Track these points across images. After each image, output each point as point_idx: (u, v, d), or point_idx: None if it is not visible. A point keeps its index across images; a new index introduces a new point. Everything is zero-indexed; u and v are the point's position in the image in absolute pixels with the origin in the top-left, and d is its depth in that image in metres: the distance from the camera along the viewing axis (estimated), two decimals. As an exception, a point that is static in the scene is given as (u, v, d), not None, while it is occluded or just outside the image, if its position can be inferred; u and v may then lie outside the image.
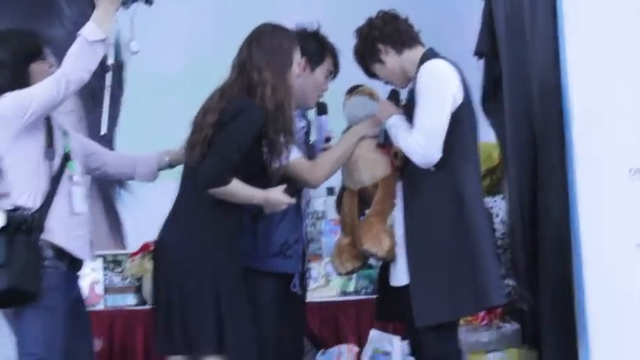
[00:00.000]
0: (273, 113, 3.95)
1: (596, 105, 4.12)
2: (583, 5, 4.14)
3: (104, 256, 5.51)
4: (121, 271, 5.51)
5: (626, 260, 3.97)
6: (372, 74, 4.24)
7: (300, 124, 4.29)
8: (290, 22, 4.37)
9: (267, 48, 4.04)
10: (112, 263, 5.57)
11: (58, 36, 5.01)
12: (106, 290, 5.43)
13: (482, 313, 4.68)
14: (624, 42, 4.12)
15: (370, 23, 4.21)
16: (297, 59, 4.10)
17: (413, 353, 4.32)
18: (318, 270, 5.39)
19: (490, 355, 4.78)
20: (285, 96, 4.02)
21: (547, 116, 4.42)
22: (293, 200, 4.02)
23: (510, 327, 4.87)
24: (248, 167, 3.93)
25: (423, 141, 3.92)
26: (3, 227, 3.97)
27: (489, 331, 4.85)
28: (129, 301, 5.33)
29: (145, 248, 5.31)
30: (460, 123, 3.98)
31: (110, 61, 4.24)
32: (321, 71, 4.32)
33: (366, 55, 4.20)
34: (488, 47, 4.99)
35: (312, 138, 4.45)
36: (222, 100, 3.96)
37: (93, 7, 4.08)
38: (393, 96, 4.18)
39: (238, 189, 3.87)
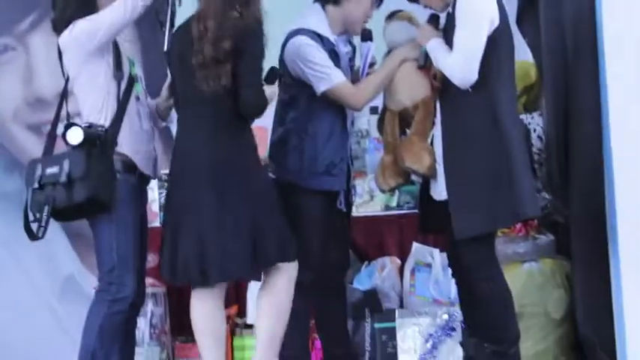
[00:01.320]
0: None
1: (629, 32, 4.21)
2: None
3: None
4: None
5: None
6: None
7: (345, 49, 4.45)
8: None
9: None
10: (166, 182, 5.67)
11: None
12: (161, 208, 5.55)
13: (518, 225, 4.87)
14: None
15: None
16: None
17: (450, 265, 4.49)
18: (362, 186, 5.47)
19: (526, 264, 4.96)
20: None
21: (580, 37, 4.53)
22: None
23: (545, 238, 5.03)
24: None
25: (462, 62, 4.05)
26: (80, 143, 4.17)
27: (525, 242, 5.01)
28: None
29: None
30: (497, 45, 4.10)
31: None
32: None
33: None
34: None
35: (357, 63, 4.54)
36: (215, 25, 4.09)
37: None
38: (433, 20, 4.27)
39: None
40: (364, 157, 5.62)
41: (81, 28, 4.28)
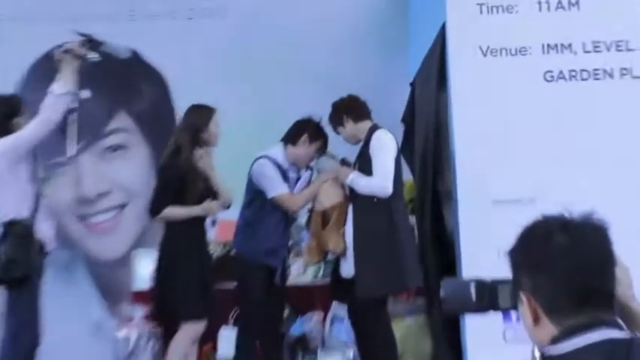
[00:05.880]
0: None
1: (472, 165, 5.23)
2: (465, 101, 5.34)
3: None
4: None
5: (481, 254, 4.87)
6: (337, 132, 5.33)
7: (293, 174, 5.48)
8: (303, 113, 5.54)
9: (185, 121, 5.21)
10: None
11: (142, 108, 6.86)
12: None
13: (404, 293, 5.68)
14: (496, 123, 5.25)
15: (341, 100, 5.39)
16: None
17: (350, 317, 5.52)
18: (300, 263, 6.28)
19: (407, 318, 5.88)
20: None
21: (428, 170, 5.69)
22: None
23: (420, 302, 5.92)
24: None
25: (382, 179, 5.01)
26: None
27: (407, 303, 5.94)
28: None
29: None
30: (395, 168, 5.10)
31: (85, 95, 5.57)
32: (315, 146, 5.46)
33: (335, 122, 5.37)
34: (409, 117, 6.43)
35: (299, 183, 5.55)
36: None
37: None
38: (345, 162, 5.40)
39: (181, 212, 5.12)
40: (301, 243, 6.30)
41: (8, 143, 4.90)
